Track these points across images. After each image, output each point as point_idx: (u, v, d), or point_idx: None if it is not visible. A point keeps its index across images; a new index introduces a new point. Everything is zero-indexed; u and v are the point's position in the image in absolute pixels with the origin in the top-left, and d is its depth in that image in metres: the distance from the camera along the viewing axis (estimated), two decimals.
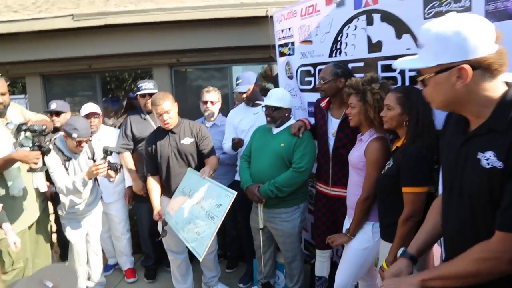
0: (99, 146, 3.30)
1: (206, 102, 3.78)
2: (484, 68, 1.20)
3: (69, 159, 3.14)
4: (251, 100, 3.58)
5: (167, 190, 3.24)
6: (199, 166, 3.23)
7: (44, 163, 2.90)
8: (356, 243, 2.49)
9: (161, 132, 3.22)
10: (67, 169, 3.12)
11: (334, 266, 3.12)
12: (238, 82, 3.60)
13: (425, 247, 1.66)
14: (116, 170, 3.09)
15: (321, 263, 3.08)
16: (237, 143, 3.45)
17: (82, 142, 3.08)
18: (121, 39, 5.20)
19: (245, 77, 3.59)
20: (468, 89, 1.23)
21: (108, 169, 3.03)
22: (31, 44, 5.33)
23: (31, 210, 3.06)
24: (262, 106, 3.07)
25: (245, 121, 3.55)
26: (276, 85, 4.12)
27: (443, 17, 1.27)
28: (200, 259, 2.76)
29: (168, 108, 3.05)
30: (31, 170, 2.81)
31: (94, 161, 3.25)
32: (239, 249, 3.98)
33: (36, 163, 2.77)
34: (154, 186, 3.24)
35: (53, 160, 3.01)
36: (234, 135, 3.58)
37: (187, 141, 3.19)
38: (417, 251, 1.64)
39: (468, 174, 1.28)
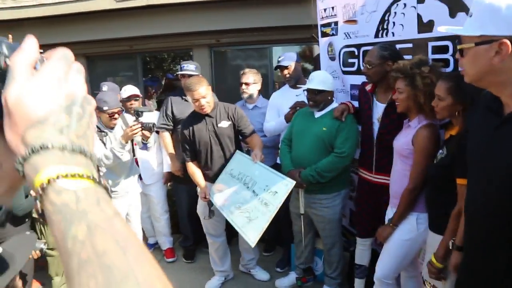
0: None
1: (242, 84, 3.76)
2: None
3: (105, 134, 3.20)
4: (293, 78, 3.52)
5: (208, 175, 3.23)
6: (236, 149, 3.22)
7: None
8: (399, 233, 2.40)
9: (197, 117, 3.18)
10: (105, 144, 3.19)
11: (373, 254, 3.05)
12: (280, 59, 3.58)
13: None
14: (149, 130, 3.12)
15: (361, 251, 3.01)
16: (292, 115, 3.33)
17: (114, 114, 3.12)
18: (162, 19, 5.21)
19: (287, 55, 3.58)
20: (506, 66, 1.20)
21: (142, 129, 3.07)
22: (76, 26, 5.46)
23: None
24: (304, 90, 2.98)
25: (288, 104, 3.47)
26: (316, 66, 4.01)
27: None
28: (252, 245, 2.72)
29: (204, 93, 3.01)
30: None
31: None
32: (277, 233, 3.97)
33: None
34: (195, 169, 3.24)
35: None
36: (276, 117, 3.54)
37: (225, 124, 3.16)
38: (462, 241, 1.70)
39: (507, 157, 1.24)
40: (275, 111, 3.57)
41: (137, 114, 3.09)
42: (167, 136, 3.76)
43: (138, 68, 6.23)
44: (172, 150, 3.74)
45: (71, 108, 0.47)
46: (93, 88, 5.12)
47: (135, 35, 5.40)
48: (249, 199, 2.83)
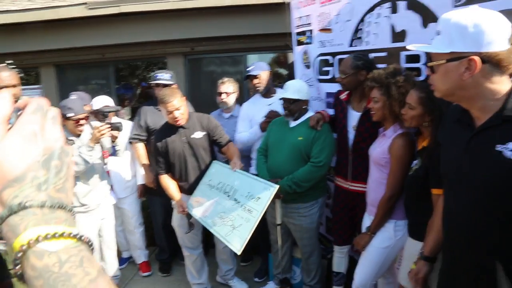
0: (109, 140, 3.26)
1: (221, 94, 3.72)
2: (493, 63, 1.24)
3: (72, 142, 3.05)
4: (264, 87, 3.49)
5: (184, 187, 3.17)
6: (211, 160, 3.18)
7: None
8: (377, 242, 2.42)
9: (171, 128, 3.12)
10: None
11: (351, 261, 3.06)
12: (249, 68, 3.53)
13: (438, 246, 1.75)
14: (117, 129, 3.07)
15: (339, 258, 3.01)
16: (267, 124, 3.32)
17: (81, 120, 3.00)
18: (135, 27, 5.12)
19: (257, 64, 3.55)
20: (475, 81, 1.26)
21: (110, 129, 3.00)
22: (44, 34, 5.29)
23: None
24: (280, 99, 2.97)
25: (260, 113, 3.46)
26: (291, 73, 4.02)
27: (464, 8, 1.29)
28: (238, 253, 2.65)
29: (178, 105, 2.97)
30: None
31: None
32: (254, 242, 3.93)
33: None
34: (169, 182, 3.16)
35: None
36: (249, 128, 3.51)
37: (198, 134, 3.11)
38: (430, 252, 1.78)
39: (486, 167, 1.28)
40: (247, 122, 3.53)
41: (103, 115, 3.02)
42: (140, 147, 3.67)
43: (110, 77, 6.11)
44: (146, 161, 3.65)
45: (49, 162, 0.47)
46: (63, 97, 4.96)
47: (107, 43, 5.28)
48: (231, 208, 2.78)
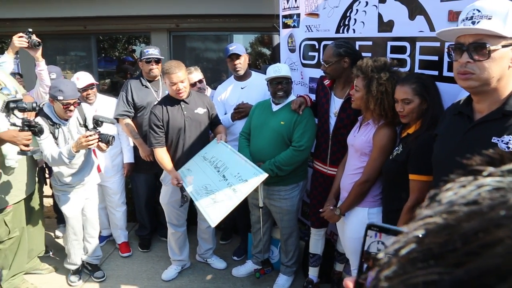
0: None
1: (194, 84, 3.59)
2: None
3: (58, 126, 2.93)
4: (243, 70, 3.45)
5: (178, 163, 3.14)
6: (208, 137, 3.24)
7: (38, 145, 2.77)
8: (352, 232, 2.44)
9: (171, 102, 3.10)
10: (56, 138, 2.92)
11: (327, 243, 3.15)
12: (232, 48, 3.44)
13: None
14: (107, 143, 2.85)
15: (315, 241, 3.10)
16: (239, 113, 3.37)
17: (70, 106, 2.84)
18: (119, 0, 4.99)
19: (238, 45, 3.49)
20: (510, 72, 1.26)
21: (98, 141, 2.82)
22: (23, 1, 5.10)
23: (28, 180, 3.01)
24: (267, 80, 2.95)
25: (234, 97, 3.48)
26: (274, 54, 3.99)
27: None
28: (213, 225, 2.68)
29: (183, 77, 2.98)
30: (21, 152, 2.61)
31: (87, 127, 3.07)
32: (233, 221, 3.99)
33: (26, 145, 2.59)
34: (165, 154, 3.12)
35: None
36: (223, 111, 3.52)
37: (201, 110, 3.15)
38: None
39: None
40: (221, 105, 3.54)
41: (96, 123, 2.82)
42: (130, 123, 3.57)
43: (92, 49, 5.96)
44: (138, 137, 3.56)
45: None
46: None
47: (89, 15, 5.13)
48: (218, 183, 2.81)
